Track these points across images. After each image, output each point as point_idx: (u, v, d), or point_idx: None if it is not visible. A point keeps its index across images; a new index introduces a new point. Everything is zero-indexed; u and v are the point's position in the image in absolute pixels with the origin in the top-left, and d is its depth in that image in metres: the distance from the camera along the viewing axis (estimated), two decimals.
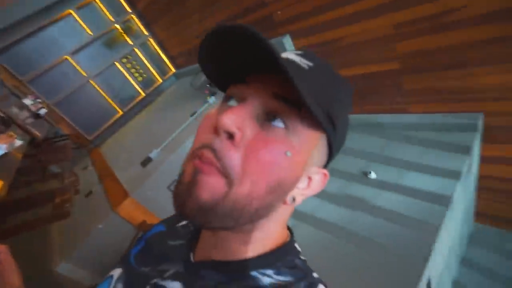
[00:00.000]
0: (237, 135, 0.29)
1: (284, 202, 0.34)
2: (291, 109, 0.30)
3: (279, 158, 0.30)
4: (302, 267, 0.37)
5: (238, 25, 0.26)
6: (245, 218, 0.30)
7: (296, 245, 0.40)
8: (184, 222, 0.50)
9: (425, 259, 1.18)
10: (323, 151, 0.35)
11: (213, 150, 0.29)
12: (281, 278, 0.34)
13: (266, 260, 0.36)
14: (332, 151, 0.35)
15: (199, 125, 0.34)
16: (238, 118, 0.29)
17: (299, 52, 0.35)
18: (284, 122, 0.30)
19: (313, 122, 0.31)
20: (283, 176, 0.30)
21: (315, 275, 0.36)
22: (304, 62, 0.32)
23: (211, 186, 0.29)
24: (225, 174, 0.29)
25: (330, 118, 0.31)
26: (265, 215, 0.33)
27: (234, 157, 0.29)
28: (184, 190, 0.30)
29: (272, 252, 0.37)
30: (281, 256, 0.37)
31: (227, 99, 0.34)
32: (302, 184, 0.34)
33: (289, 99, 0.30)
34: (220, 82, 0.37)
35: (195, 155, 0.31)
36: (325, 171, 0.36)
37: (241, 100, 0.32)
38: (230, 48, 0.30)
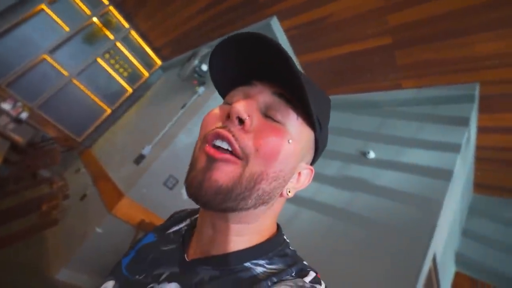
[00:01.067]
0: (247, 121, 0.34)
1: (281, 194, 0.38)
2: (288, 105, 0.36)
3: (283, 144, 0.35)
4: (292, 255, 0.39)
5: (268, 38, 0.32)
6: (252, 199, 0.34)
7: (285, 237, 0.43)
8: (175, 228, 0.50)
9: (430, 235, 1.17)
10: (310, 149, 0.40)
11: (229, 130, 0.34)
12: (273, 266, 0.37)
13: (259, 250, 0.38)
14: (317, 152, 0.42)
15: (203, 121, 0.38)
16: (248, 106, 0.35)
17: None
18: (283, 116, 0.36)
19: (306, 120, 0.37)
20: (286, 161, 0.35)
21: (305, 263, 0.38)
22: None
23: (227, 170, 0.33)
24: (242, 153, 0.33)
25: (318, 120, 0.37)
26: (266, 202, 0.36)
27: (246, 139, 0.34)
28: (199, 175, 0.33)
29: (265, 242, 0.39)
30: (273, 246, 0.39)
31: (229, 99, 0.39)
32: (293, 178, 0.39)
33: (288, 97, 0.37)
34: (220, 84, 0.43)
35: (208, 138, 0.34)
36: (311, 167, 0.41)
37: (246, 97, 0.38)
38: (249, 54, 0.36)
